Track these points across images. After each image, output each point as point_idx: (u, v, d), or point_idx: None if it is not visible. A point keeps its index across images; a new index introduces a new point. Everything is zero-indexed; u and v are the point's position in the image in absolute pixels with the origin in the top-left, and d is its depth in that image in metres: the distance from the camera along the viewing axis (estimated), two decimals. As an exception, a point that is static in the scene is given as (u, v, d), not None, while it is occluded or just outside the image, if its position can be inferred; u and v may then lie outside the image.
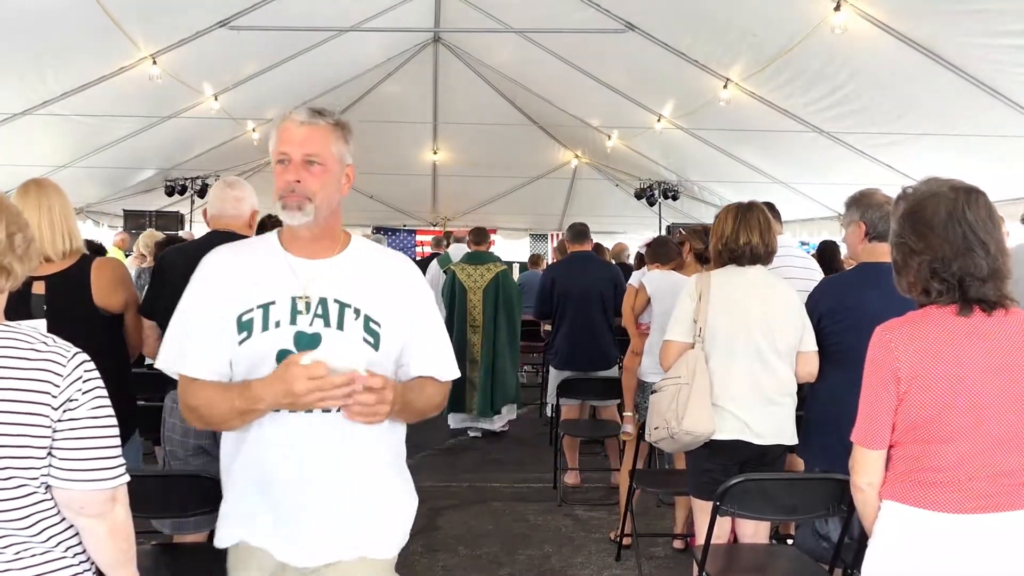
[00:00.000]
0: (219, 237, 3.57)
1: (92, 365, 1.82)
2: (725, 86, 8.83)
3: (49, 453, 1.74)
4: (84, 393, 1.77)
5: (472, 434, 7.91)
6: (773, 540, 4.39)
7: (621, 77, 10.67)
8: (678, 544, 4.95)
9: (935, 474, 2.05)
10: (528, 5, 9.79)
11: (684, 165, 13.43)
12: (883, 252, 3.19)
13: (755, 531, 3.57)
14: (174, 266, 3.49)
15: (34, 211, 3.13)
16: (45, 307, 3.13)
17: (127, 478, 1.84)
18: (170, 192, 13.87)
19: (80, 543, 1.83)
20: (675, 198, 14.21)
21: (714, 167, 12.08)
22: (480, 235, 8.36)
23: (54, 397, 1.73)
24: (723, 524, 3.50)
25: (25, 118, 8.63)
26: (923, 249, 2.09)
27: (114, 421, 1.82)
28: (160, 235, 8.70)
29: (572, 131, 14.19)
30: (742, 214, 3.48)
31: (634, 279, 5.28)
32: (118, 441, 1.83)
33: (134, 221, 13.18)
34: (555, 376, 6.38)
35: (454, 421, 7.87)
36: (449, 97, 13.95)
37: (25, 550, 1.74)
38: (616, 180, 15.65)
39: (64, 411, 1.74)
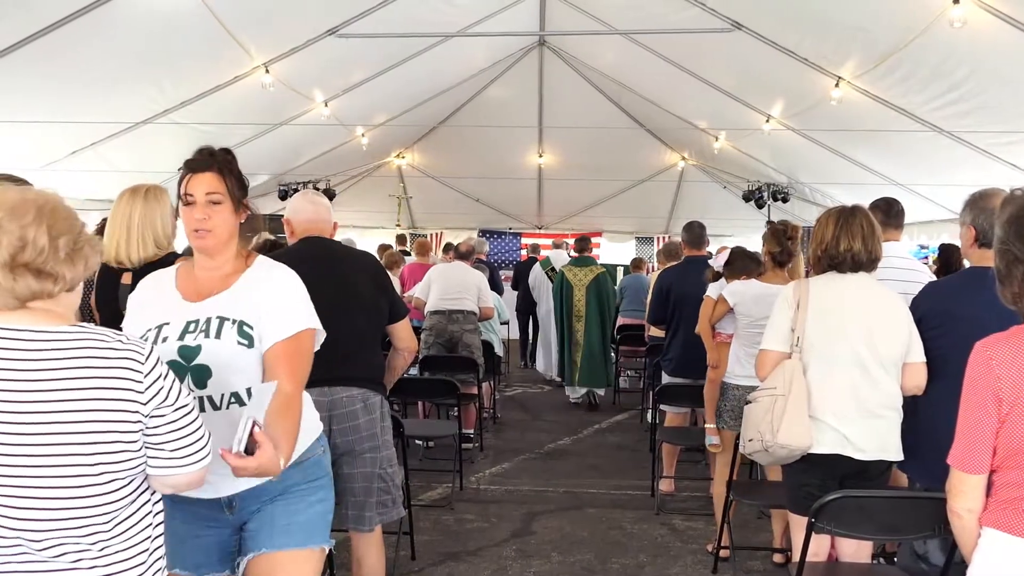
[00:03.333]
0: (319, 242, 3.65)
1: (160, 355, 1.89)
2: (837, 84, 8.53)
3: (145, 446, 1.82)
4: (171, 384, 1.86)
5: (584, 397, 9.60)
6: (880, 559, 4.21)
7: (728, 77, 10.45)
8: (778, 558, 4.78)
9: None
10: (632, 6, 9.67)
11: (794, 166, 13.05)
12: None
13: (856, 549, 3.42)
14: None
15: (119, 218, 3.44)
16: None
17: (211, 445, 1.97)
18: (283, 196, 14.27)
19: (147, 536, 1.91)
20: (785, 200, 13.80)
21: (826, 168, 11.68)
22: (583, 243, 10.16)
23: (140, 393, 1.79)
24: (822, 541, 3.36)
25: (146, 126, 9.03)
26: None
27: (194, 403, 1.94)
28: (268, 237, 8.96)
29: (678, 133, 13.98)
30: (844, 219, 3.33)
31: (712, 291, 5.15)
32: (201, 420, 1.94)
33: (249, 224, 13.54)
34: (667, 381, 6.28)
35: (571, 392, 9.70)
36: (554, 100, 13.95)
37: (107, 544, 1.81)
38: (724, 182, 15.33)
39: (156, 405, 1.81)
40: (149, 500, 1.93)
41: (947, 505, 2.07)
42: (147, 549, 1.89)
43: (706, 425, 5.22)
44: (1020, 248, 1.95)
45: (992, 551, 1.97)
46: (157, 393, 1.81)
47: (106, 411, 1.75)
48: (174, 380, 1.88)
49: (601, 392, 9.72)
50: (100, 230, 3.78)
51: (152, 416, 1.81)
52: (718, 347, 5.07)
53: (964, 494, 2.03)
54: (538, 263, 11.66)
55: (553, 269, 10.69)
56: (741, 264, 5.04)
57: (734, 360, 4.74)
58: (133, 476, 1.83)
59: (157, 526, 1.95)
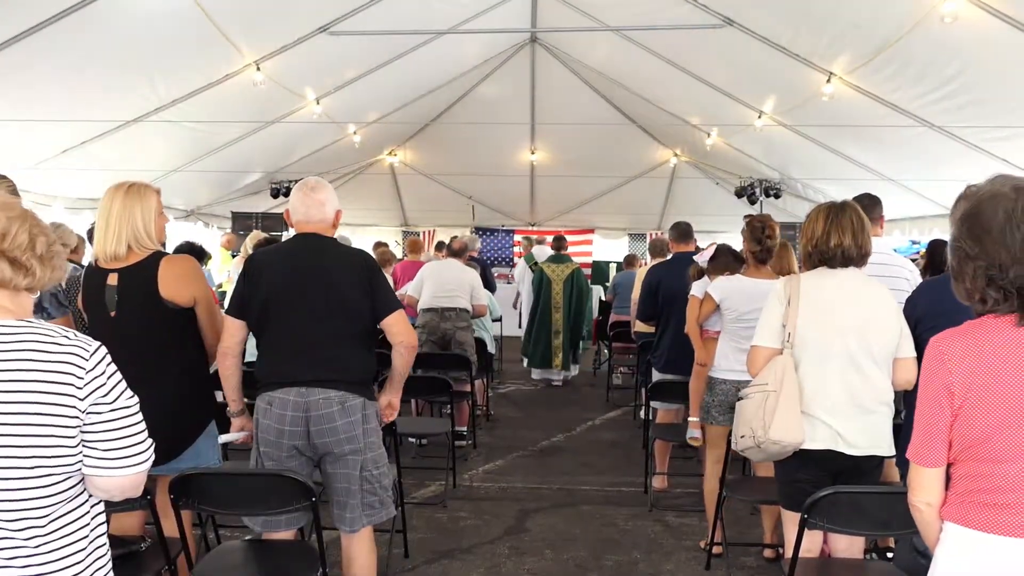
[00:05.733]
0: (307, 239, 3.61)
1: (111, 357, 1.91)
2: (828, 80, 8.56)
3: (81, 443, 1.83)
4: (115, 384, 1.88)
5: (555, 382, 10.79)
6: (873, 555, 4.21)
7: (720, 73, 10.46)
8: (769, 554, 4.80)
9: (996, 495, 1.90)
10: (625, 3, 9.68)
11: (786, 162, 13.08)
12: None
13: (849, 545, 3.42)
14: (263, 268, 3.55)
15: (101, 214, 3.41)
16: (116, 297, 3.30)
17: (153, 456, 1.97)
18: (275, 194, 14.27)
19: (85, 537, 1.91)
20: (777, 196, 13.83)
21: (818, 164, 11.72)
22: (560, 242, 11.19)
23: (79, 388, 1.82)
24: (815, 537, 3.37)
25: (138, 124, 9.02)
26: (978, 254, 1.92)
27: (138, 408, 1.94)
28: (263, 236, 8.93)
29: (671, 129, 14.00)
30: (834, 215, 3.33)
31: (697, 290, 5.13)
32: (144, 426, 1.95)
33: (241, 222, 13.62)
34: (657, 378, 6.27)
35: (538, 374, 10.88)
36: (546, 97, 13.96)
37: (44, 542, 1.82)
38: (716, 178, 15.35)
39: (92, 402, 1.83)
40: (87, 501, 1.93)
41: (908, 499, 2.08)
42: (86, 550, 1.90)
43: (689, 419, 5.24)
44: (971, 245, 1.95)
45: (952, 545, 1.98)
46: (96, 390, 1.84)
47: (44, 404, 1.78)
48: (118, 382, 1.90)
49: (571, 373, 10.98)
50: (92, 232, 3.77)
51: (89, 412, 1.83)
52: (706, 344, 5.06)
53: (922, 487, 2.03)
54: (522, 258, 12.74)
55: (536, 264, 11.44)
56: (724, 261, 5.05)
57: (721, 355, 4.73)
58: (70, 474, 1.84)
59: (96, 528, 1.95)
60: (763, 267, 4.68)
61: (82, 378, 1.82)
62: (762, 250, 4.62)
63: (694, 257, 5.89)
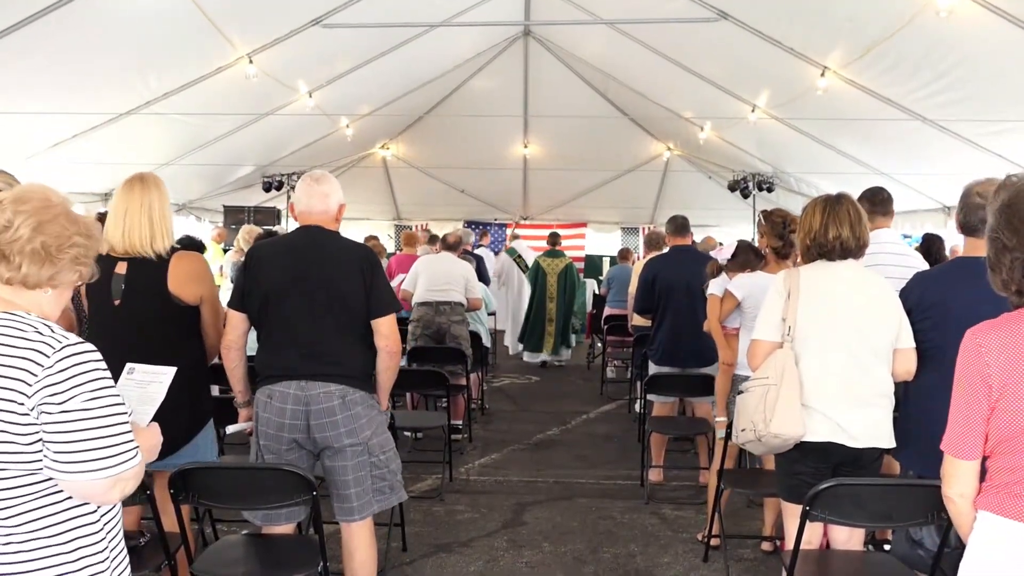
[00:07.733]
0: (309, 232, 3.60)
1: (87, 357, 1.82)
2: (823, 74, 8.55)
3: (41, 441, 1.78)
4: (74, 386, 1.78)
5: (547, 362, 11.87)
6: (870, 546, 4.22)
7: (714, 67, 10.46)
8: (766, 546, 4.81)
9: None
10: (618, -4, 9.68)
11: (780, 156, 13.09)
12: (976, 246, 3.04)
13: (849, 537, 3.43)
14: (263, 260, 3.54)
15: (135, 206, 3.38)
16: (123, 286, 3.28)
17: (132, 464, 1.87)
18: (267, 188, 14.21)
19: (61, 535, 1.86)
20: (770, 190, 13.85)
21: (811, 158, 11.73)
22: (555, 238, 12.27)
23: (29, 385, 1.75)
24: (815, 529, 3.37)
25: (129, 118, 8.95)
26: (1016, 246, 1.93)
27: (114, 411, 1.85)
28: (259, 230, 8.90)
29: (664, 123, 14.00)
30: (831, 207, 3.33)
31: (716, 288, 5.09)
32: (121, 430, 1.85)
33: (233, 216, 13.58)
34: (654, 371, 6.26)
35: (529, 358, 11.94)
36: (539, 91, 13.94)
37: (10, 537, 1.79)
38: (709, 172, 15.36)
39: (40, 400, 1.76)
40: (67, 499, 1.85)
41: (942, 490, 2.10)
42: (64, 552, 1.85)
43: (717, 419, 5.19)
44: (1008, 236, 1.95)
45: (987, 533, 2.00)
46: (45, 388, 1.75)
47: None
48: (82, 383, 1.79)
49: (566, 356, 12.04)
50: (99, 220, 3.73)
51: (41, 412, 1.76)
52: (730, 343, 5.03)
53: (957, 479, 2.05)
54: (504, 252, 13.48)
55: (520, 256, 12.70)
56: (744, 258, 5.02)
57: (743, 353, 4.69)
58: (31, 471, 1.79)
59: (81, 528, 1.88)
60: (784, 262, 4.64)
61: (35, 374, 1.75)
62: (784, 245, 4.60)
63: (712, 253, 5.85)
